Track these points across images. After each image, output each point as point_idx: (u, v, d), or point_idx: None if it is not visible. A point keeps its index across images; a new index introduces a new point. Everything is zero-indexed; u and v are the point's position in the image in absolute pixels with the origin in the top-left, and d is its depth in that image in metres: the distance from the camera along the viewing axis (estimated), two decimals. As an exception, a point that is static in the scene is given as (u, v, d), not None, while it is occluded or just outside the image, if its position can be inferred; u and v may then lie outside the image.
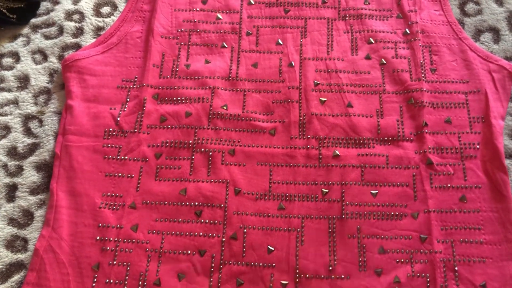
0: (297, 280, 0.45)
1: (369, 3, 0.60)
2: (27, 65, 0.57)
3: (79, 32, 0.59)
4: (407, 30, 0.57)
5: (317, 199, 0.48)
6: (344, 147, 0.51)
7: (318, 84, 0.54)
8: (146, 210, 0.48)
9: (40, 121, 0.54)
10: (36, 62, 0.57)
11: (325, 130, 0.52)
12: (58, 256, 0.45)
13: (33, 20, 0.60)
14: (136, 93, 0.53)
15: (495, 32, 0.59)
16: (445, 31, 0.58)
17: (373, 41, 0.57)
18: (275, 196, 0.49)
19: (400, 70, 0.55)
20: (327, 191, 0.49)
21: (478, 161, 0.50)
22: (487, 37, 0.59)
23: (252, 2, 0.60)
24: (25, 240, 0.48)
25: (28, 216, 0.49)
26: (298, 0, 0.60)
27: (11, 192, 0.50)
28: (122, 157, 0.50)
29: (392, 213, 0.48)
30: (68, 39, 0.58)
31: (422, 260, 0.46)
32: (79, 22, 0.59)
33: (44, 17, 0.60)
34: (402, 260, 0.46)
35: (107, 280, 0.45)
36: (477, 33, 0.59)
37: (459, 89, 0.54)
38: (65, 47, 0.58)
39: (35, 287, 0.44)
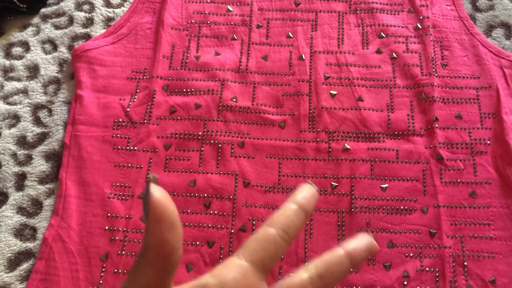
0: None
1: (380, -3, 0.59)
2: (36, 54, 0.57)
3: (89, 22, 0.59)
4: (418, 24, 0.57)
5: (326, 192, 0.48)
6: (354, 140, 0.51)
7: (329, 77, 0.54)
8: (155, 201, 0.48)
9: (50, 111, 0.54)
10: (46, 52, 0.57)
11: (335, 123, 0.51)
12: (67, 245, 0.45)
13: (43, 10, 0.60)
14: (146, 84, 0.53)
15: (507, 28, 0.59)
16: (457, 26, 0.57)
17: (384, 35, 0.56)
18: (284, 188, 0.49)
19: (411, 64, 0.55)
20: (336, 184, 0.49)
21: (488, 156, 0.50)
22: (498, 32, 0.58)
23: (263, -5, 0.59)
24: (34, 229, 0.48)
25: (37, 205, 0.49)
26: (309, -7, 0.60)
27: (20, 181, 0.50)
28: (132, 148, 0.50)
29: (402, 207, 0.48)
30: (78, 29, 0.58)
31: (431, 255, 0.45)
32: (89, 13, 0.59)
33: (54, 7, 0.60)
34: (411, 254, 0.46)
35: (116, 270, 0.45)
36: (489, 29, 0.59)
37: (470, 84, 0.54)
38: (75, 37, 0.58)
39: (43, 275, 0.44)
